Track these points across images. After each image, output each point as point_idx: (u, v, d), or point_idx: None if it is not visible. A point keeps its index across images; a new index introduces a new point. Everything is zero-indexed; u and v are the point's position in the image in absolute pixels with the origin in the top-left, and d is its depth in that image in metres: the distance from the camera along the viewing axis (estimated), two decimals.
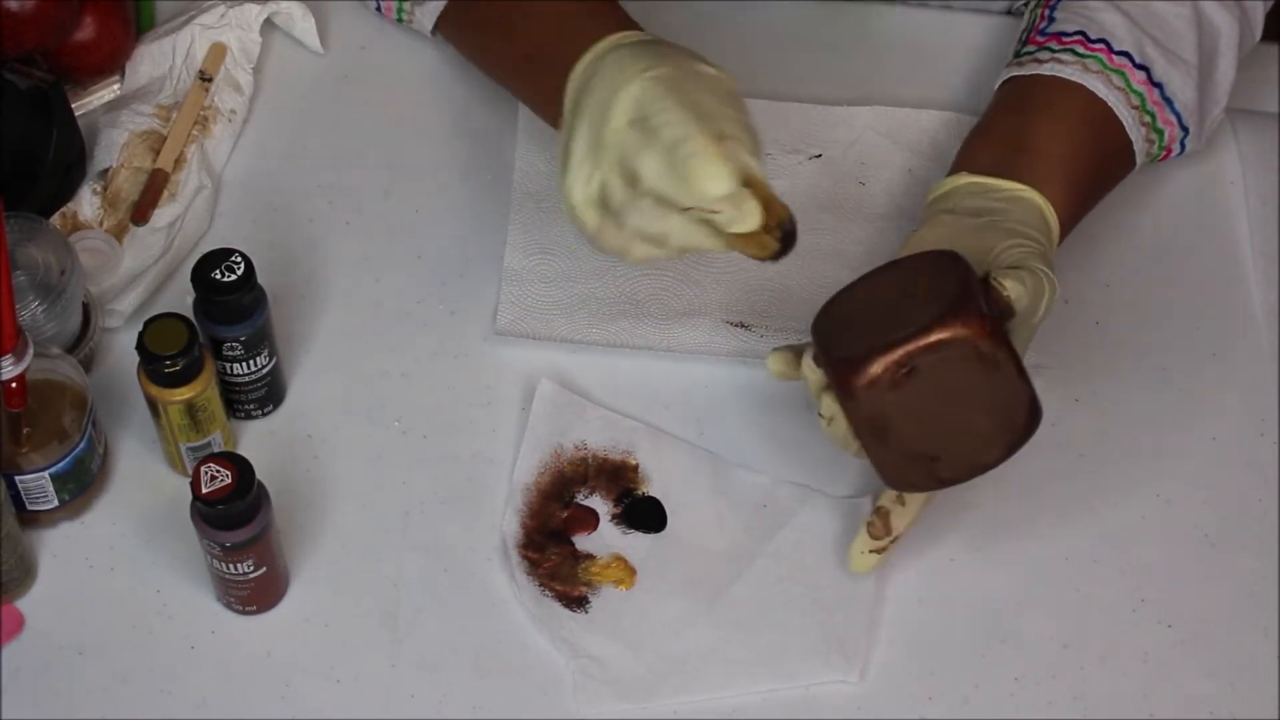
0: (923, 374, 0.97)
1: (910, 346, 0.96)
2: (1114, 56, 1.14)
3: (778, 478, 1.11)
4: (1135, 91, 1.14)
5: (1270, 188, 1.24)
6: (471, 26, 1.20)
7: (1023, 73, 1.15)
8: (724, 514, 1.10)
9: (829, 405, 1.01)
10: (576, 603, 1.06)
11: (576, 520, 1.09)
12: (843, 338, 1.00)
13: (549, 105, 1.08)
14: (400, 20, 1.25)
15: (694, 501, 1.10)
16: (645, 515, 1.10)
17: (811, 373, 1.02)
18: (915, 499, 1.04)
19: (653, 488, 1.11)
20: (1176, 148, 1.18)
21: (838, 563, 1.08)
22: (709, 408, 1.14)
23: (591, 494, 1.10)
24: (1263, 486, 1.13)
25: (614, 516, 1.10)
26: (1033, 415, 1.00)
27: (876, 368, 0.97)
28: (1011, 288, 0.99)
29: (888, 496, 1.04)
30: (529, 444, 1.11)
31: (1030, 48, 1.17)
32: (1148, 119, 1.15)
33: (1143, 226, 1.23)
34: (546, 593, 1.06)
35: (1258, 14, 1.19)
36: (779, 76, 1.27)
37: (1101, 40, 1.14)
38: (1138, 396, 1.16)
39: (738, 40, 1.29)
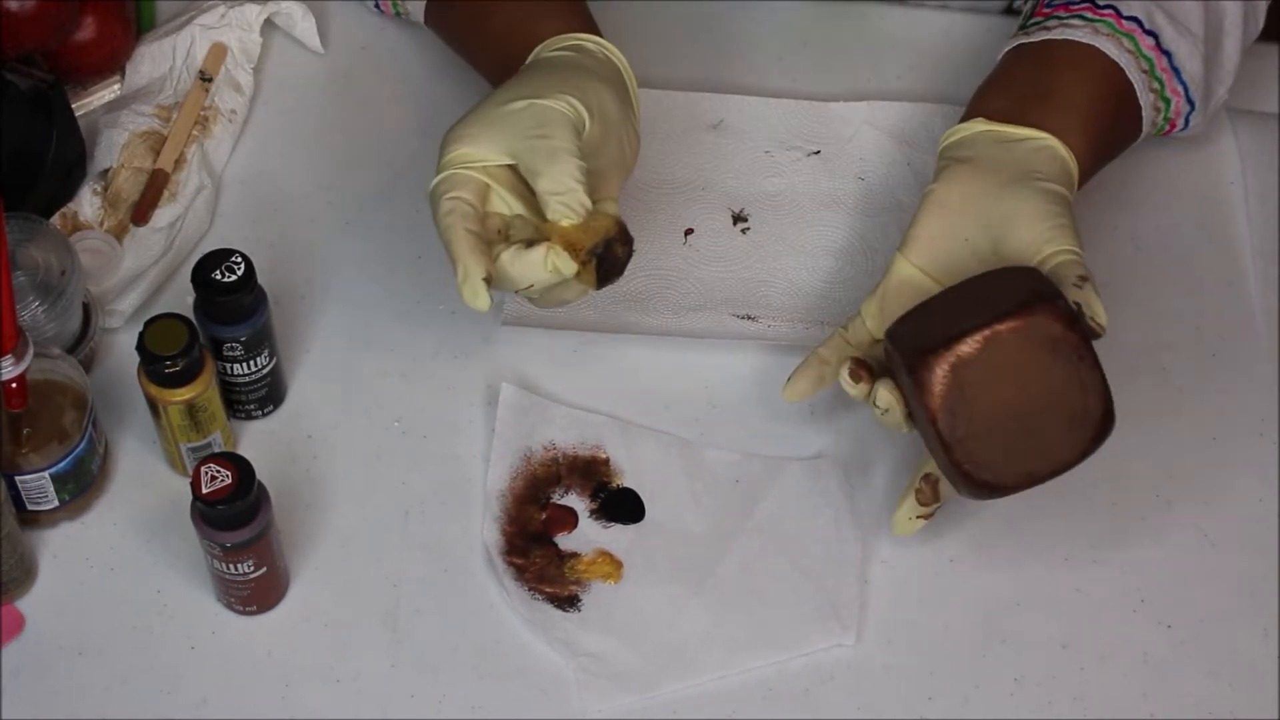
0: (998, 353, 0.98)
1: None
2: (1123, 21, 1.13)
3: (747, 452, 1.12)
4: (1144, 56, 1.13)
5: (1270, 187, 1.24)
6: (449, 19, 1.21)
7: (1031, 40, 1.14)
8: (700, 496, 1.10)
9: (885, 396, 1.02)
10: (568, 602, 1.06)
11: (556, 520, 1.09)
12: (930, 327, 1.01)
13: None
14: (397, 13, 1.25)
15: (669, 487, 1.10)
16: (623, 507, 1.10)
17: (892, 392, 1.02)
18: None
19: (626, 479, 1.11)
20: (1181, 122, 1.18)
21: (818, 528, 1.09)
22: (711, 407, 1.14)
23: (567, 492, 1.10)
24: (1263, 486, 1.13)
25: (592, 512, 1.10)
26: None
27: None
28: (1100, 314, 1.01)
29: (934, 464, 1.04)
30: (498, 451, 1.11)
31: (1036, 19, 1.16)
32: (1156, 85, 1.14)
33: (1143, 226, 1.23)
34: (537, 596, 1.06)
35: (1260, 7, 1.19)
36: (778, 76, 1.27)
37: (1109, 6, 1.13)
38: (1138, 396, 1.16)
39: (738, 39, 1.29)
